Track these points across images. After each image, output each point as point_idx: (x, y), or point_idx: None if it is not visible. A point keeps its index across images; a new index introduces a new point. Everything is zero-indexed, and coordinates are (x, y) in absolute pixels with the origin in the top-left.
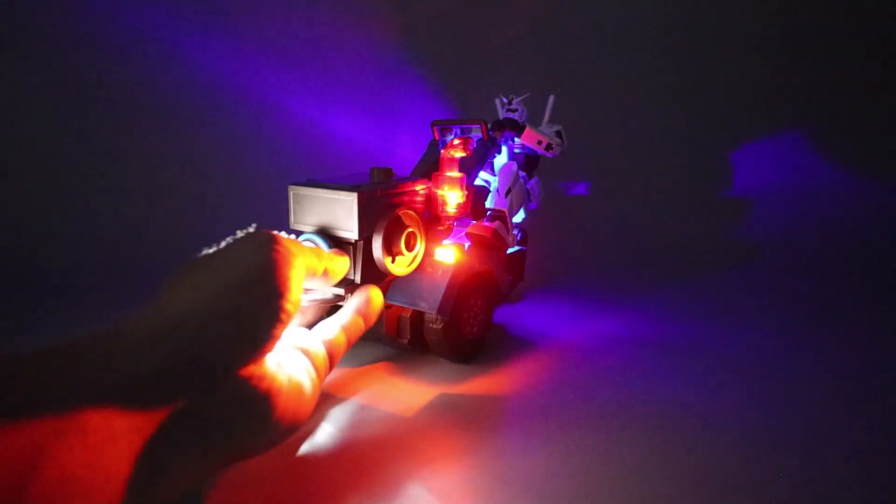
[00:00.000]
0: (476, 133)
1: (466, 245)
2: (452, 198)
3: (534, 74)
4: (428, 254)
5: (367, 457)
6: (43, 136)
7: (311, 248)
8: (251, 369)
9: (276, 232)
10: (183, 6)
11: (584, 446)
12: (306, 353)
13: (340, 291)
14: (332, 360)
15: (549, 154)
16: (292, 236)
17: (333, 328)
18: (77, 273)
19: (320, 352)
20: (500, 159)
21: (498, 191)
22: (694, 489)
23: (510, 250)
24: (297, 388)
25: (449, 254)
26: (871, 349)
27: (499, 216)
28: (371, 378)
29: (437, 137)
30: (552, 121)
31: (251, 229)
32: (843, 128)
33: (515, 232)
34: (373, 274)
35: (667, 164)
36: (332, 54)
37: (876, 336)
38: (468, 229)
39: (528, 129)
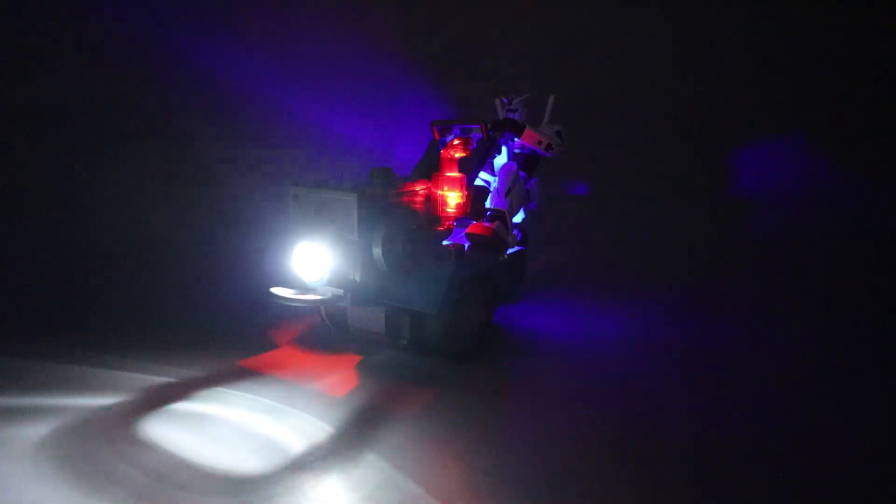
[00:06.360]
0: (476, 133)
1: (466, 245)
2: (452, 198)
3: (534, 74)
4: (428, 254)
5: (367, 457)
6: (45, 136)
7: None
8: None
9: None
10: (185, 7)
11: (585, 446)
12: None
13: (340, 292)
14: None
15: (548, 154)
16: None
17: None
18: (77, 272)
19: None
20: (500, 159)
21: (498, 191)
22: (695, 488)
23: (510, 251)
24: None
25: (449, 254)
26: (872, 349)
27: (498, 216)
28: (371, 378)
29: (437, 137)
30: (552, 121)
31: None
32: (843, 128)
33: (515, 232)
34: (373, 273)
35: (667, 164)
36: (332, 55)
37: (876, 336)
38: (468, 229)
39: (527, 129)
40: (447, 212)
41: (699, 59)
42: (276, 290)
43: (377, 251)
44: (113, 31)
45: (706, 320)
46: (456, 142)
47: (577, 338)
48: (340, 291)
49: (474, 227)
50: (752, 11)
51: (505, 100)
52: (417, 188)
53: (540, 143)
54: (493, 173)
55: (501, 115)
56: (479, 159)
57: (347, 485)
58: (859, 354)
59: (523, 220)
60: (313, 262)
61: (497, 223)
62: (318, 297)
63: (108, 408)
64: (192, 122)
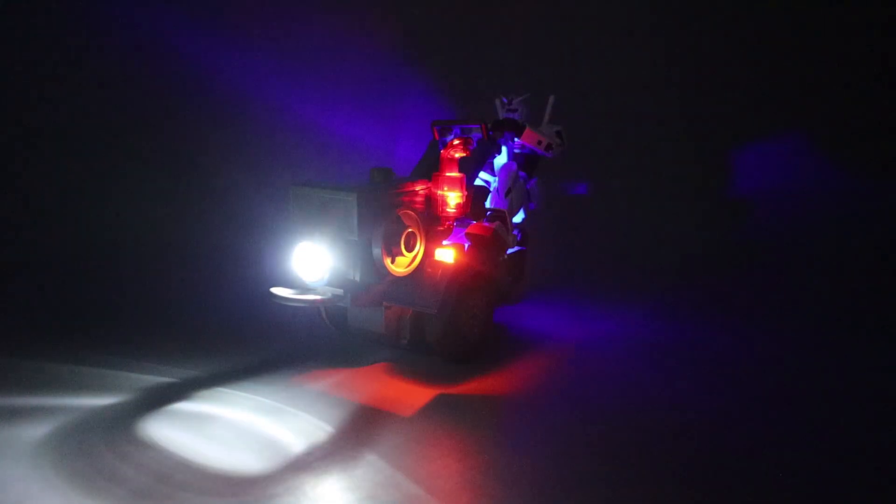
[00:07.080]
0: (476, 133)
1: (466, 245)
2: (452, 198)
3: (534, 74)
4: (428, 254)
5: (367, 457)
6: (46, 136)
7: None
8: None
9: None
10: (186, 6)
11: (585, 446)
12: None
13: (340, 292)
14: None
15: (548, 154)
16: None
17: None
18: (77, 273)
19: None
20: (500, 159)
21: (498, 191)
22: (696, 488)
23: (510, 251)
24: None
25: (449, 254)
26: (871, 349)
27: (498, 216)
28: (371, 378)
29: (437, 137)
30: (552, 121)
31: None
32: (843, 128)
33: (515, 232)
34: (372, 273)
35: (667, 164)
36: (332, 54)
37: (875, 336)
38: (468, 230)
39: (527, 129)
40: (447, 212)
41: (699, 59)
42: (276, 290)
43: (377, 251)
44: (115, 28)
45: (706, 321)
46: (456, 142)
47: (577, 337)
48: (340, 291)
49: (474, 227)
50: (752, 10)
51: (505, 100)
52: (417, 188)
53: (540, 143)
54: (493, 173)
55: (501, 115)
56: (478, 159)
57: (347, 485)
58: (859, 355)
59: (523, 220)
60: (313, 262)
61: (497, 223)
62: (318, 297)
63: (108, 408)
64: (191, 122)
